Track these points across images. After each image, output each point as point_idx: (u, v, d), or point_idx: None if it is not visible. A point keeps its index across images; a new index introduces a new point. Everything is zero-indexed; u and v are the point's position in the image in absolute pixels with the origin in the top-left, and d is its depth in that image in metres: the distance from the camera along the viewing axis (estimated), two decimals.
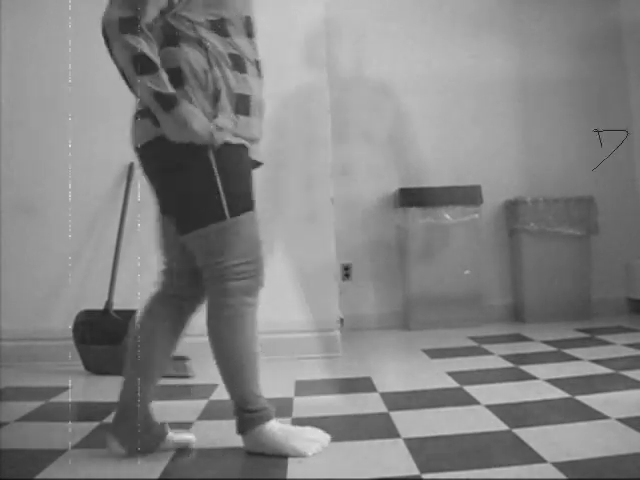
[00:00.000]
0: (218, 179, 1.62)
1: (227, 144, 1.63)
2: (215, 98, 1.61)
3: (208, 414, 2.17)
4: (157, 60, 1.55)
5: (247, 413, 1.70)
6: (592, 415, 1.93)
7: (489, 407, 2.08)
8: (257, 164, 1.84)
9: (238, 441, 1.75)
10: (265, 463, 1.66)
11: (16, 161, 3.17)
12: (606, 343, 3.11)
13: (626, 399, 2.09)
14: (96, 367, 2.85)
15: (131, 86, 1.60)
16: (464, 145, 4.15)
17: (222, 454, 1.75)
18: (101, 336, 2.82)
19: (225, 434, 1.81)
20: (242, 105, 1.66)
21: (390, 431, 1.89)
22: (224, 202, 1.62)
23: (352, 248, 4.02)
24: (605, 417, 1.89)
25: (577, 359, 2.76)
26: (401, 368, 2.89)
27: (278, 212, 3.19)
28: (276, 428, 1.71)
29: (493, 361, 2.85)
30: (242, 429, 1.72)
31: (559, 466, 1.52)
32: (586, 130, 4.19)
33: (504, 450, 1.69)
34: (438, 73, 4.11)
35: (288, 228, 3.19)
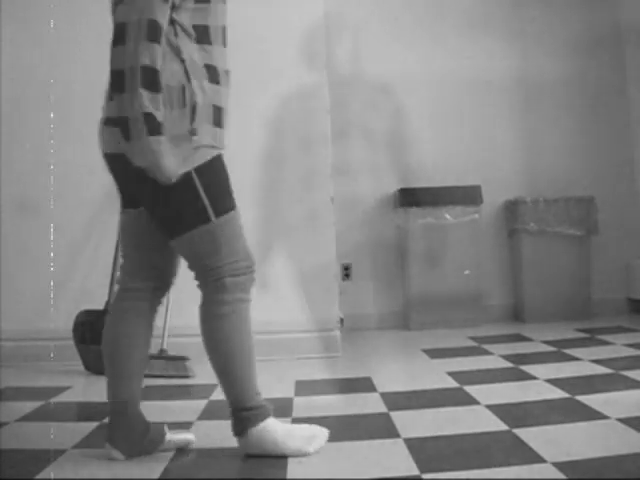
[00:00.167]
0: (201, 191, 1.61)
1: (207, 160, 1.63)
2: (193, 112, 1.58)
3: (208, 414, 2.17)
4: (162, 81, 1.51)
5: (245, 411, 1.68)
6: (592, 415, 1.93)
7: (489, 407, 2.08)
8: None
9: None
10: (265, 463, 1.66)
11: (16, 161, 3.17)
12: (606, 343, 3.11)
13: (626, 399, 2.09)
14: (96, 367, 2.84)
15: (119, 89, 1.50)
16: (464, 145, 4.15)
17: (222, 454, 1.75)
18: (101, 336, 2.81)
19: (225, 434, 1.81)
20: (217, 117, 1.65)
21: (390, 431, 1.89)
22: (208, 207, 1.62)
23: (352, 248, 4.02)
24: (605, 417, 1.89)
25: (577, 359, 2.76)
26: (401, 368, 2.89)
27: (278, 212, 3.19)
28: (275, 427, 1.70)
29: (493, 361, 2.85)
30: (239, 429, 1.69)
31: (559, 466, 1.52)
32: (586, 130, 4.19)
33: (504, 450, 1.69)
34: (438, 73, 4.11)
35: (288, 228, 3.19)
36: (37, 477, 1.59)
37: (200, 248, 1.65)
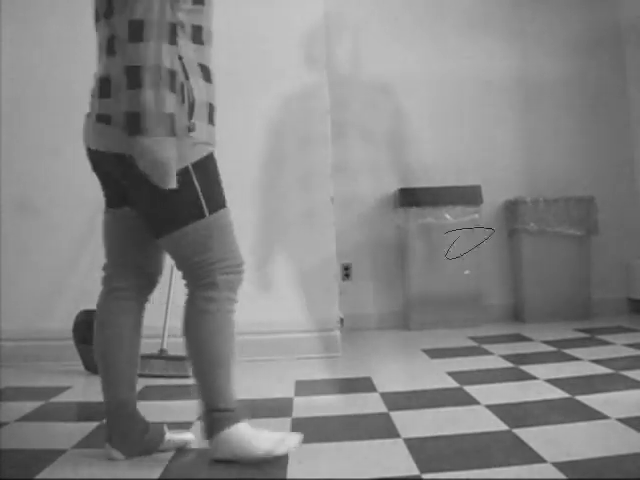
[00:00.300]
0: (197, 186, 1.61)
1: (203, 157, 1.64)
2: (191, 108, 1.59)
3: None
4: None
5: (218, 412, 1.64)
6: (592, 415, 1.93)
7: (489, 407, 2.08)
8: None
9: None
10: (265, 463, 1.65)
11: (16, 161, 3.17)
12: (606, 343, 3.11)
13: (626, 399, 2.09)
14: (96, 367, 2.83)
15: (136, 85, 1.46)
16: (464, 145, 4.15)
17: None
18: None
19: None
20: (211, 115, 1.67)
21: (390, 431, 1.89)
22: (203, 202, 1.62)
23: (352, 248, 4.02)
24: (605, 417, 1.90)
25: (577, 359, 2.76)
26: (401, 368, 2.89)
27: (278, 212, 3.19)
28: (245, 430, 1.65)
29: (493, 361, 2.85)
30: (212, 431, 1.64)
31: (559, 466, 1.52)
32: (586, 130, 4.19)
33: (504, 450, 1.69)
34: (438, 73, 4.11)
35: (288, 228, 3.19)
36: (37, 477, 1.59)
37: (192, 245, 1.65)
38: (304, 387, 2.53)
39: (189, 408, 2.23)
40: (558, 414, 1.97)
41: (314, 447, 1.78)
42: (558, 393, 2.21)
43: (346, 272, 4.08)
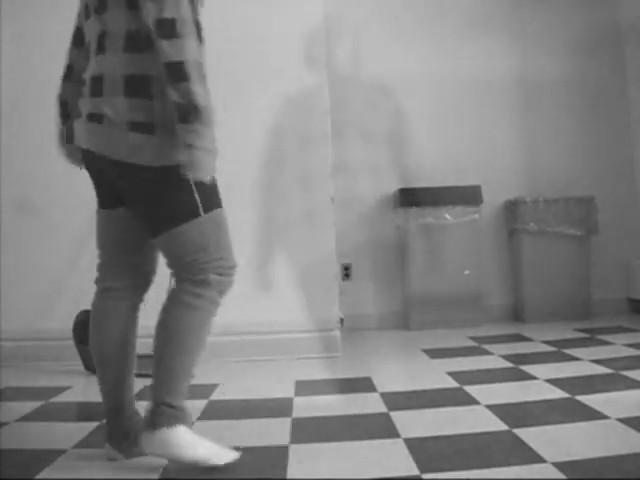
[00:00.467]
0: (193, 185, 1.61)
1: None
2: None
3: (208, 414, 2.17)
4: None
5: (170, 408, 1.61)
6: (592, 415, 1.93)
7: (489, 407, 2.08)
8: None
9: (238, 441, 1.75)
10: (265, 463, 1.66)
11: (16, 161, 3.17)
12: (606, 343, 3.11)
13: (626, 399, 2.09)
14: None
15: (182, 79, 1.48)
16: (464, 145, 4.15)
17: None
18: None
19: (225, 434, 1.81)
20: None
21: (390, 431, 1.89)
22: (198, 202, 1.62)
23: (352, 248, 4.02)
24: (605, 417, 1.90)
25: (577, 359, 2.76)
26: (401, 368, 2.89)
27: (278, 211, 3.19)
28: (186, 434, 1.63)
29: (493, 361, 2.85)
30: (156, 423, 1.59)
31: (559, 466, 1.52)
32: (586, 130, 4.19)
33: (504, 450, 1.69)
34: (438, 73, 4.11)
35: (288, 227, 3.19)
36: (37, 477, 1.60)
37: (188, 243, 1.64)
38: (304, 387, 2.53)
39: (189, 408, 2.23)
40: (558, 414, 1.97)
41: (314, 447, 1.79)
42: (558, 393, 2.21)
43: (346, 272, 4.08)
